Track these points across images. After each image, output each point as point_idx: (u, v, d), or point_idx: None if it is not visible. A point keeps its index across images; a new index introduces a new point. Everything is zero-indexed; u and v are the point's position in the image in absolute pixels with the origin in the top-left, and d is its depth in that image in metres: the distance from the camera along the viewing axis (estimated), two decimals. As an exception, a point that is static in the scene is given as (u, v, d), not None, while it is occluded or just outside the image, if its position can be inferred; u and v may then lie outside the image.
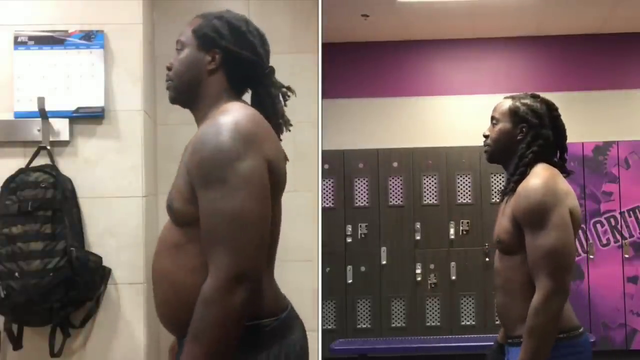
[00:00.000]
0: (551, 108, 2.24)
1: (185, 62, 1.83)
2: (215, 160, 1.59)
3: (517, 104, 2.23)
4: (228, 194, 1.56)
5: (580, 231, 5.95)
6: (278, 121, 1.84)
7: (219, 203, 1.57)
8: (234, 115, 1.68)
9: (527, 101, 2.23)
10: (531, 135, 2.19)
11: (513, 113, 2.22)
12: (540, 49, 6.62)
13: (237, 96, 1.84)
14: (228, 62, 1.81)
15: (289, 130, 1.90)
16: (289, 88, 1.90)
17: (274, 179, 1.67)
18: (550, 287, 1.98)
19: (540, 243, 2.01)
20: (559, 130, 2.23)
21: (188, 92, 1.84)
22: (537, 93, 2.29)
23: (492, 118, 2.27)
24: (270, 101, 1.84)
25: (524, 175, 2.14)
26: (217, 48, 1.81)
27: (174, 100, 1.88)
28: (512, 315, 2.12)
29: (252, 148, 1.61)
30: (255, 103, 1.85)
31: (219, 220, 1.56)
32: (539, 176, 2.10)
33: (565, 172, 2.21)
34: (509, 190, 2.17)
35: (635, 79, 6.56)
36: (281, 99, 1.88)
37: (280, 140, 1.84)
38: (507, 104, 2.25)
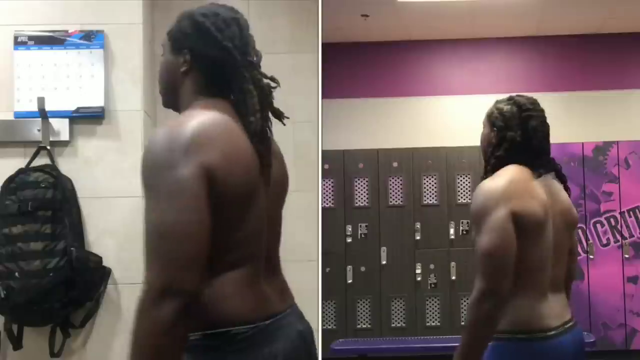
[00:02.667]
0: (522, 108, 2.21)
1: (163, 66, 1.81)
2: (148, 168, 1.55)
3: (492, 107, 2.27)
4: (155, 205, 1.52)
5: (580, 231, 6.00)
6: (249, 119, 1.70)
7: (149, 213, 1.52)
8: (182, 120, 1.62)
9: (501, 104, 2.25)
10: (499, 139, 2.21)
11: (487, 117, 2.27)
12: (540, 49, 6.63)
13: (217, 94, 1.76)
14: (198, 62, 1.76)
15: (268, 128, 1.76)
16: (272, 79, 1.78)
17: (221, 187, 1.56)
18: (481, 288, 1.99)
19: (479, 244, 2.04)
20: (529, 130, 2.19)
21: (171, 95, 1.82)
22: (523, 93, 2.29)
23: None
24: (242, 97, 1.72)
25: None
26: (185, 49, 1.76)
27: (164, 104, 1.88)
28: None
29: (187, 156, 1.52)
30: (233, 100, 1.76)
31: (148, 232, 1.51)
32: (492, 178, 2.13)
33: (537, 173, 2.17)
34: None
35: (635, 79, 6.56)
36: (263, 93, 1.75)
37: (258, 142, 1.72)
38: (489, 108, 2.29)
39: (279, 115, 1.80)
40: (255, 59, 1.78)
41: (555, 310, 2.13)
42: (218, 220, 1.56)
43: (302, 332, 1.76)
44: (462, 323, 5.93)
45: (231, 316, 1.61)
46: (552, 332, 2.09)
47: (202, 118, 1.63)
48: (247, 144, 1.67)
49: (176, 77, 1.78)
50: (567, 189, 2.28)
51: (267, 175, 1.73)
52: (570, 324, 2.16)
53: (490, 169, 2.19)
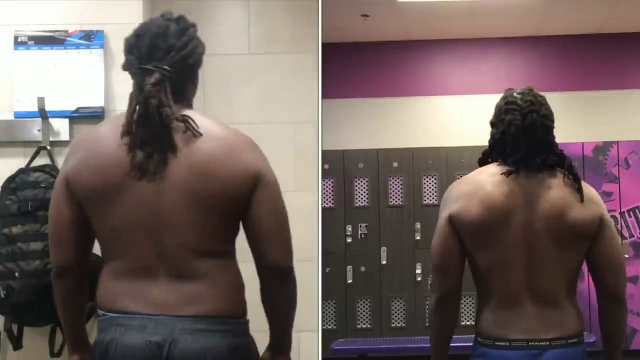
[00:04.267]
0: (506, 102, 2.08)
1: None
2: None
3: None
4: None
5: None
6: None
7: None
8: None
9: (499, 99, 2.15)
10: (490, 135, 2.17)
11: None
12: (540, 49, 6.63)
13: None
14: None
15: (145, 133, 1.81)
16: (155, 84, 1.81)
17: (74, 188, 1.88)
18: (432, 282, 2.14)
19: None
20: (504, 125, 2.06)
21: None
22: (526, 88, 2.15)
23: None
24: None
25: None
26: None
27: None
28: None
29: (63, 164, 1.95)
30: None
31: None
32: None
33: (508, 171, 2.03)
34: None
35: (635, 79, 6.56)
36: (146, 98, 1.80)
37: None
38: None
39: (162, 117, 1.80)
40: (163, 62, 1.83)
41: (517, 323, 2.01)
42: (88, 215, 1.89)
43: (155, 344, 1.77)
44: (462, 323, 5.93)
45: (99, 299, 1.91)
46: (500, 343, 2.02)
47: (91, 130, 1.98)
48: (114, 150, 1.83)
49: None
50: (579, 190, 2.02)
51: (146, 179, 1.80)
52: (542, 343, 1.99)
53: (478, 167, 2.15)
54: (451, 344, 2.20)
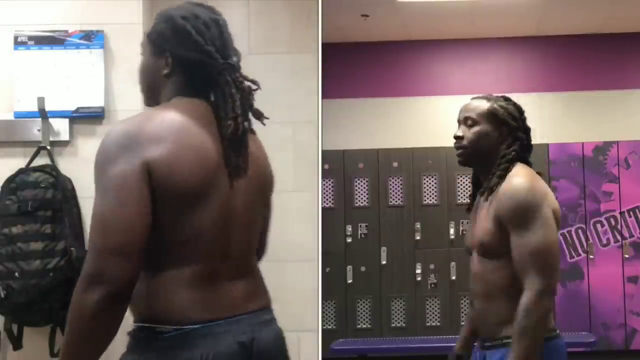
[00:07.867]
0: (520, 111, 2.27)
1: (144, 68, 1.82)
2: (95, 164, 1.61)
3: (495, 106, 2.21)
4: (97, 197, 1.58)
5: (580, 231, 5.98)
6: (227, 122, 1.71)
7: (93, 207, 1.58)
8: (132, 118, 1.67)
9: (503, 104, 2.23)
10: (511, 138, 2.20)
11: (493, 115, 2.20)
12: (541, 49, 6.63)
13: (196, 95, 1.77)
14: (179, 65, 1.76)
15: (241, 131, 1.74)
16: (253, 81, 1.78)
17: (162, 183, 1.60)
18: (539, 285, 2.00)
19: (527, 242, 2.03)
20: (527, 130, 2.26)
21: (152, 96, 1.83)
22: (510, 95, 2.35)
23: (468, 119, 2.22)
24: (222, 101, 1.73)
25: (504, 175, 2.15)
26: (166, 52, 1.76)
27: (145, 103, 1.87)
28: (494, 319, 2.12)
29: (127, 151, 1.58)
30: (214, 102, 1.77)
31: (91, 224, 1.59)
32: (521, 175, 2.11)
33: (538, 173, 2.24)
34: (493, 190, 2.16)
35: (635, 79, 6.56)
36: (244, 95, 1.76)
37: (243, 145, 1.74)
38: (485, 105, 2.22)
39: (259, 116, 1.81)
40: (235, 59, 1.78)
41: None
42: (164, 215, 1.61)
43: (245, 344, 1.69)
44: (462, 323, 5.93)
45: (160, 314, 1.64)
46: (558, 331, 2.15)
47: (153, 116, 1.66)
48: (207, 144, 1.68)
49: (157, 79, 1.79)
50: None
51: (235, 176, 1.71)
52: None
53: (503, 168, 2.15)
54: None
